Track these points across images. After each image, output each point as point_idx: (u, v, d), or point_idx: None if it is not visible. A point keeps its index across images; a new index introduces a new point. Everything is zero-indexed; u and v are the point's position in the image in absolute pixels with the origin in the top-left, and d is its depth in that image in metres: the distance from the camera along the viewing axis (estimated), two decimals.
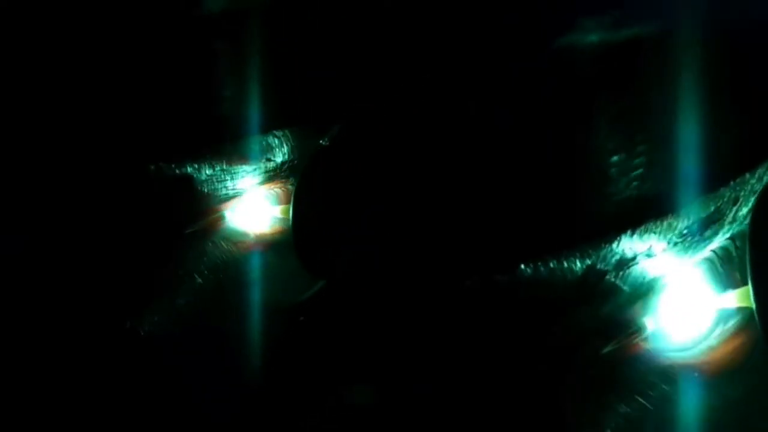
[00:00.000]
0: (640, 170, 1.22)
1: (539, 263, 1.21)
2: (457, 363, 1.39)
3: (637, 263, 1.25)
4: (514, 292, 1.26)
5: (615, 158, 1.22)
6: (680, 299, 1.30)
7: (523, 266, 1.21)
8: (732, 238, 1.27)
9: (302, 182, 1.63)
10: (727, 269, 1.27)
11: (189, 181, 1.84)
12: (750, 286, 1.10)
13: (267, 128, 1.75)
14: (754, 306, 1.10)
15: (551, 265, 1.21)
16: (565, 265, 1.21)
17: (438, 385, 1.40)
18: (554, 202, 1.26)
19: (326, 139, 1.63)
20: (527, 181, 1.28)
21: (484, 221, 1.30)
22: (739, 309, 1.24)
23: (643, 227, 1.20)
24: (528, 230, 1.26)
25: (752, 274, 1.10)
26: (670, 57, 1.19)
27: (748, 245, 1.12)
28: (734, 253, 1.26)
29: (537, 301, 1.29)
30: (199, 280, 1.88)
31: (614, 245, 1.21)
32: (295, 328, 1.69)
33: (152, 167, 1.79)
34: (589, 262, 1.22)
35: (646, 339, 1.30)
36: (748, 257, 1.11)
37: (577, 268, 1.22)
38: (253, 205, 1.92)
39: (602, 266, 1.23)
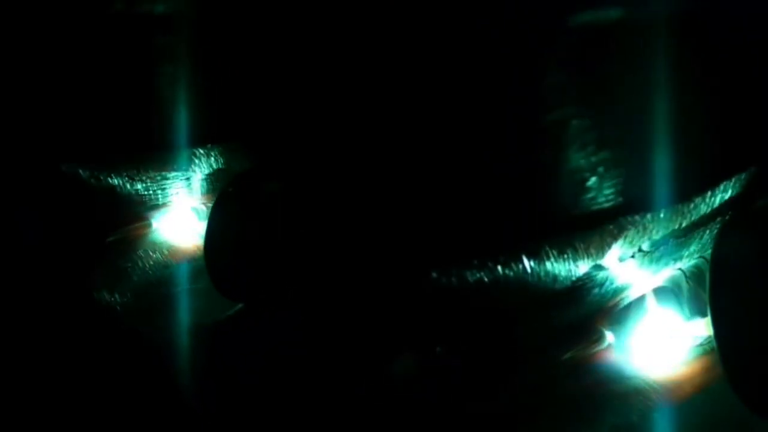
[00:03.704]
0: (607, 172, 1.17)
1: (491, 268, 1.18)
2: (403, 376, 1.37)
3: (600, 272, 1.22)
4: (468, 298, 1.23)
5: (580, 158, 1.18)
6: (645, 313, 1.27)
7: (473, 270, 1.18)
8: (705, 258, 1.23)
9: (217, 205, 1.65)
10: (697, 287, 1.24)
11: (115, 189, 1.84)
12: (709, 314, 1.07)
13: (197, 141, 1.74)
14: (712, 333, 1.08)
15: (507, 269, 1.18)
16: (525, 269, 1.17)
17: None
18: (511, 204, 1.22)
19: (251, 161, 1.65)
20: (482, 181, 1.25)
21: (424, 230, 1.27)
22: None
23: (608, 234, 1.16)
24: (482, 233, 1.23)
25: (711, 302, 1.07)
26: (645, 47, 1.14)
27: (709, 270, 1.09)
28: (706, 273, 1.20)
29: (492, 307, 1.26)
30: (121, 289, 1.88)
31: (578, 250, 1.17)
32: (217, 342, 1.68)
33: (76, 172, 1.80)
34: (549, 266, 1.18)
35: (607, 350, 1.28)
36: (708, 283, 1.08)
37: (537, 273, 1.18)
38: (179, 218, 1.93)
39: (563, 272, 1.19)
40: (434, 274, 1.22)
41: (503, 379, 1.31)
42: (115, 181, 1.83)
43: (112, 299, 1.86)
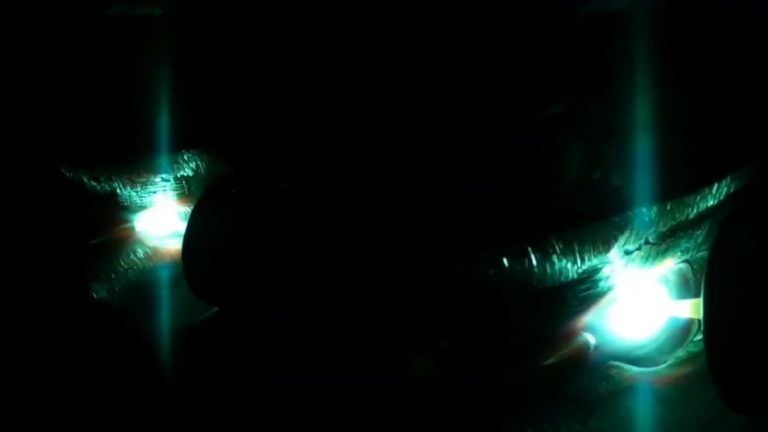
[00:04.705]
0: (613, 164, 1.17)
1: (496, 262, 1.17)
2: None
3: (606, 265, 1.21)
4: (472, 293, 1.22)
5: (585, 151, 1.18)
6: (650, 306, 1.25)
7: (477, 265, 1.17)
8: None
9: (197, 208, 1.64)
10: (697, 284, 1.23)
11: (97, 191, 1.83)
12: (702, 297, 1.05)
13: (180, 144, 1.74)
14: (702, 318, 1.06)
15: (512, 263, 1.17)
16: (530, 262, 1.17)
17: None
18: (517, 197, 1.21)
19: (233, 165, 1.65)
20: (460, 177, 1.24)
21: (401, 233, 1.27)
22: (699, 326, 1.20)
23: (614, 226, 1.15)
24: (487, 226, 1.21)
25: (706, 286, 1.05)
26: (651, 38, 1.14)
27: (709, 255, 1.07)
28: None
29: (495, 302, 1.25)
30: (104, 291, 1.87)
31: (584, 243, 1.16)
32: (214, 343, 1.66)
33: (58, 174, 1.79)
34: (555, 259, 1.17)
35: (594, 351, 1.27)
36: (706, 267, 1.06)
37: (543, 266, 1.17)
38: (163, 220, 1.92)
39: (569, 265, 1.18)
40: (437, 269, 1.22)
41: (502, 376, 1.30)
42: (114, 184, 1.83)
43: (111, 299, 1.86)
